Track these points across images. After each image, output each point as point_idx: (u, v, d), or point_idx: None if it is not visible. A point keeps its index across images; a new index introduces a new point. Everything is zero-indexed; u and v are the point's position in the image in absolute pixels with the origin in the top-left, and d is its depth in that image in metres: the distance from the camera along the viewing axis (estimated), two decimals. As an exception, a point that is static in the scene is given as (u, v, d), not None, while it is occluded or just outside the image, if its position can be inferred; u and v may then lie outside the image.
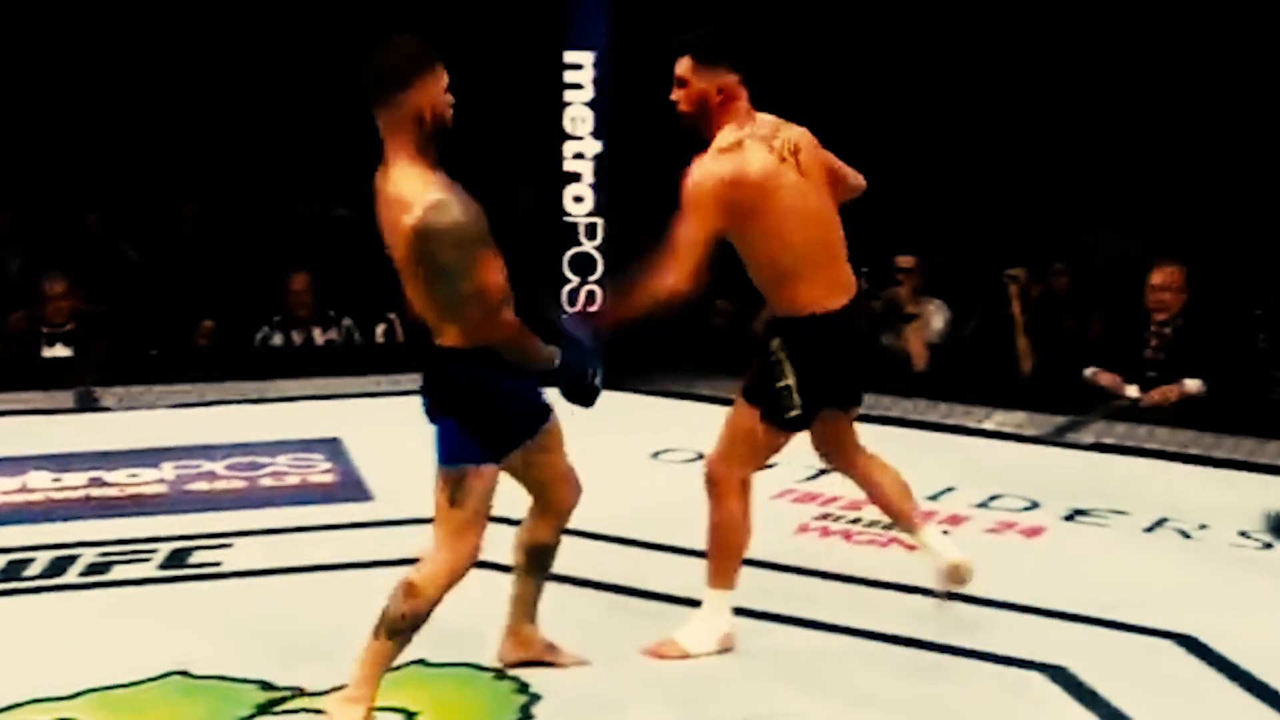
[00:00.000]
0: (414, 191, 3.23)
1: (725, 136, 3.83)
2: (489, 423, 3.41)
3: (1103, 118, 8.01)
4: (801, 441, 6.15)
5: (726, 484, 3.96)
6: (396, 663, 3.56)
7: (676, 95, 3.91)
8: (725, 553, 3.99)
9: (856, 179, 4.16)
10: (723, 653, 4.02)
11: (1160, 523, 5.26)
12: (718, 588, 4.02)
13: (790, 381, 3.85)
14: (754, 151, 3.80)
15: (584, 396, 3.56)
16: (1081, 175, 7.99)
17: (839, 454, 4.22)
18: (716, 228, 3.80)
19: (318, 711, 3.56)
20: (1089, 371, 6.77)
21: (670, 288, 3.79)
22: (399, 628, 3.39)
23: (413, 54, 3.35)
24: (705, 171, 3.80)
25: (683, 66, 3.91)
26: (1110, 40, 7.92)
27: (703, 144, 3.85)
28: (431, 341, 3.42)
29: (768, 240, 3.84)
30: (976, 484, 5.62)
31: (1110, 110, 7.98)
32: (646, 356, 7.17)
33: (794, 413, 3.88)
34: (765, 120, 3.90)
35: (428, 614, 3.41)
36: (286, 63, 9.11)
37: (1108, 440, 6.36)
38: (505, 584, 3.86)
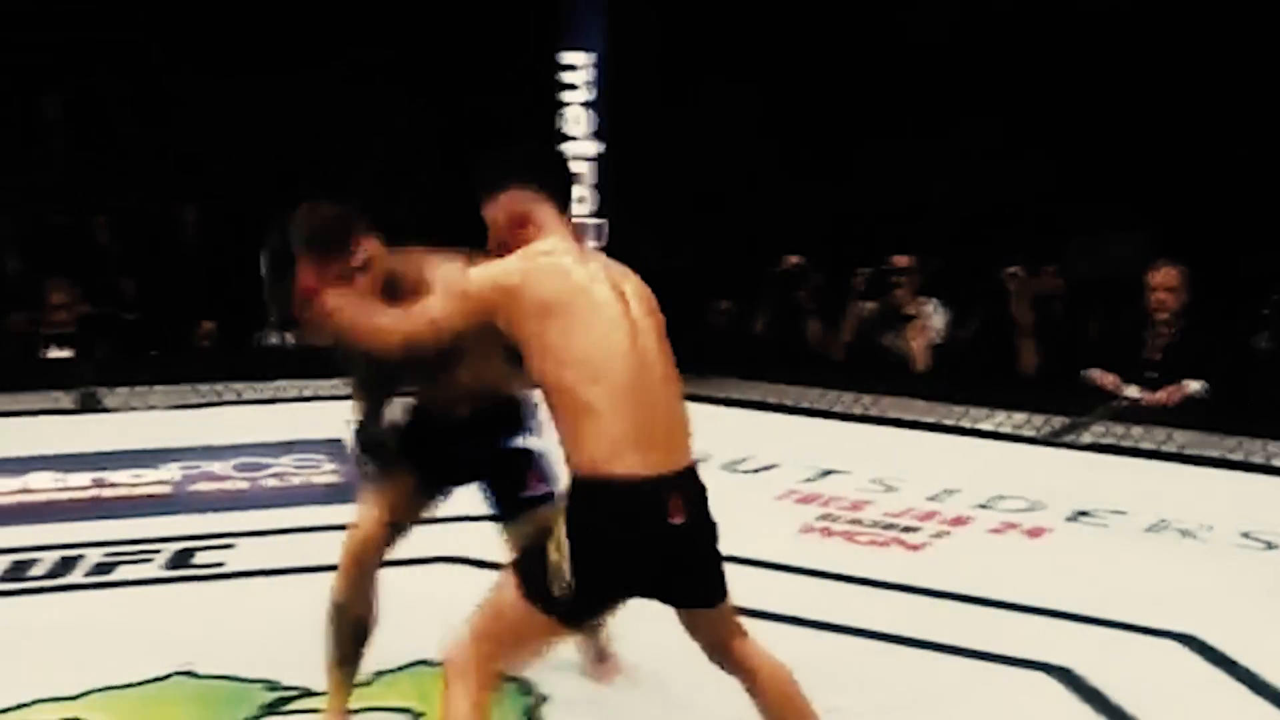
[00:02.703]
0: None
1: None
2: None
3: (1103, 118, 8.03)
4: (804, 441, 6.20)
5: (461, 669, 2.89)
6: (400, 662, 3.58)
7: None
8: None
9: None
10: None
11: (1162, 523, 5.28)
12: None
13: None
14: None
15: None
16: (1081, 175, 8.00)
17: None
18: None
19: (323, 711, 3.58)
20: (1089, 372, 6.78)
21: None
22: None
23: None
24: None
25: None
26: (1110, 40, 7.94)
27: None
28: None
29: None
30: (978, 485, 5.63)
31: (1110, 110, 7.99)
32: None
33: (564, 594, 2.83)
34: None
35: None
36: (286, 64, 9.12)
37: (1109, 441, 6.37)
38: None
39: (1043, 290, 7.34)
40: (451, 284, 2.97)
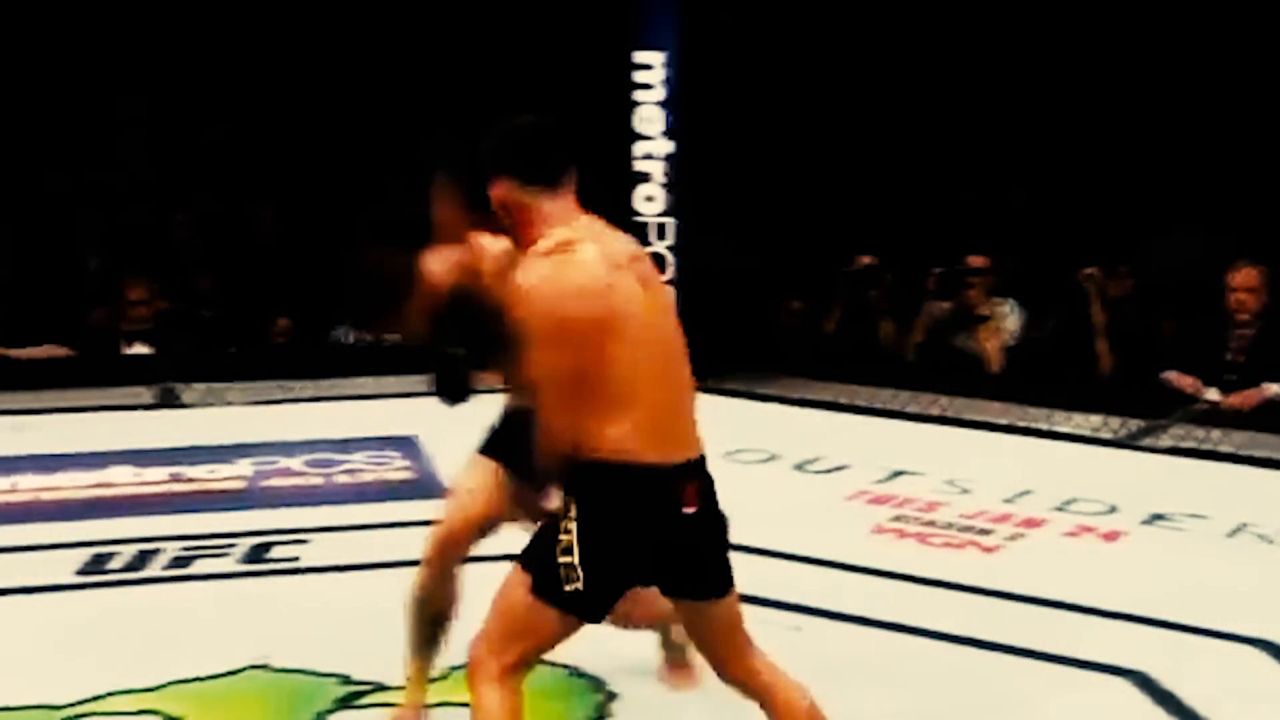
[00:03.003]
0: None
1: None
2: None
3: (1182, 118, 7.93)
4: (876, 442, 6.17)
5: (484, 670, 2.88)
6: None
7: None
8: None
9: None
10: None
11: (1241, 528, 5.20)
12: None
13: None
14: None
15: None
16: (1159, 175, 7.91)
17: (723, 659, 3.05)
18: None
19: (396, 706, 3.61)
20: (1167, 374, 6.70)
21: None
22: None
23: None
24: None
25: None
26: (1187, 40, 7.84)
27: None
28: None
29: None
30: (1053, 487, 5.58)
31: (1189, 110, 7.89)
32: (719, 358, 7.19)
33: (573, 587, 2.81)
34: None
35: None
36: (360, 68, 9.19)
37: (1187, 444, 6.29)
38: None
39: (1119, 291, 7.27)
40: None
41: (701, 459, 2.87)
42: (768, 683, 2.97)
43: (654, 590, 3.04)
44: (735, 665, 2.99)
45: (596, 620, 2.87)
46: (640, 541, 2.81)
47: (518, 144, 2.92)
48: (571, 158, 2.93)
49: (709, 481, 2.89)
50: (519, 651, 2.84)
